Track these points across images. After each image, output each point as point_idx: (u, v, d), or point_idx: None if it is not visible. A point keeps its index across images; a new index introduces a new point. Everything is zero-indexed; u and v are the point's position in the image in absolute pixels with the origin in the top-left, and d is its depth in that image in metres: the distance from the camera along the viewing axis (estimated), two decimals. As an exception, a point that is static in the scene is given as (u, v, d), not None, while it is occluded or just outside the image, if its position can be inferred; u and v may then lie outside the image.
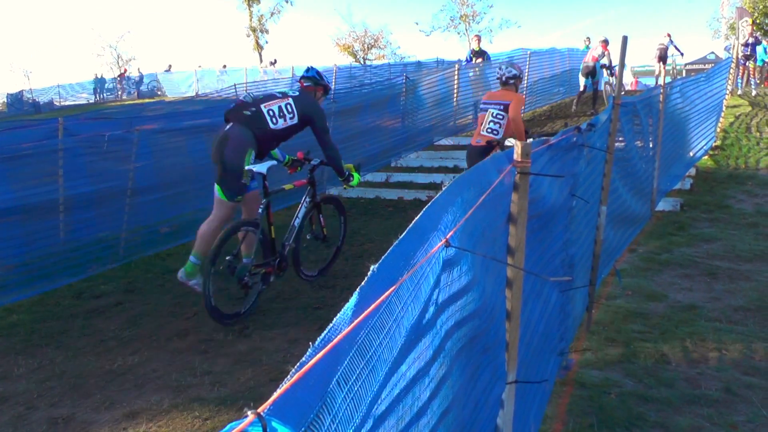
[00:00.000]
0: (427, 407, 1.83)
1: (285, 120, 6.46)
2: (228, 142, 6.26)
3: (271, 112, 6.42)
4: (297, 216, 6.98)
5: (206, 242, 6.29)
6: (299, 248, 7.01)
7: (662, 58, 22.90)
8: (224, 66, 40.49)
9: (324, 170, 9.77)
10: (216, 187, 6.42)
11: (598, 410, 4.26)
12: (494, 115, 7.89)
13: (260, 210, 6.44)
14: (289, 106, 6.51)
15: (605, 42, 16.94)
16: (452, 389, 2.05)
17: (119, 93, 43.46)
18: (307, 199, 7.08)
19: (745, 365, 4.87)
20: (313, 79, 7.05)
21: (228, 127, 6.38)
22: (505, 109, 7.86)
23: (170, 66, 44.69)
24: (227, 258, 6.20)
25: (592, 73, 16.98)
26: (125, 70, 45.18)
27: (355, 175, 7.13)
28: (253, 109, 6.39)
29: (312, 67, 7.23)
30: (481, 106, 8.26)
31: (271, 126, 6.40)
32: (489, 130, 7.87)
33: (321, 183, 11.52)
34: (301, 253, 7.09)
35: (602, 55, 16.84)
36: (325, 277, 7.38)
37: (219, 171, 6.33)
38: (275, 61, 35.66)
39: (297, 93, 6.76)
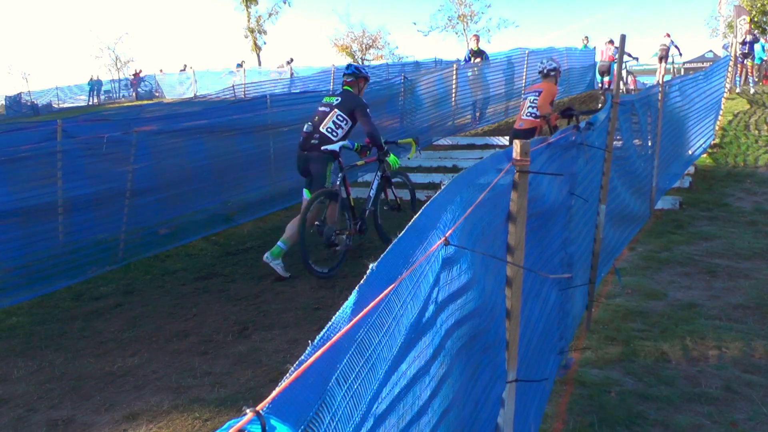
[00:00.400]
0: (428, 406, 1.83)
1: (342, 128, 7.69)
2: (310, 164, 7.60)
3: (329, 130, 7.63)
4: (371, 188, 8.35)
5: (294, 232, 7.42)
6: (377, 213, 8.30)
7: (663, 58, 23.05)
8: (242, 62, 40.18)
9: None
10: (305, 191, 7.78)
11: (598, 409, 4.26)
12: (531, 101, 9.48)
13: (338, 182, 7.57)
14: (339, 117, 7.68)
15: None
16: (453, 388, 2.05)
17: (132, 94, 43.43)
18: (379, 173, 8.34)
19: (745, 363, 4.87)
20: (354, 74, 8.09)
21: (305, 153, 7.67)
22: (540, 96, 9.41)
23: (185, 66, 44.53)
24: (315, 224, 7.48)
25: (608, 72, 18.14)
26: (140, 71, 45.07)
27: (392, 156, 8.13)
28: (317, 135, 7.60)
29: (351, 64, 8.68)
30: (523, 95, 10.25)
31: (334, 139, 7.61)
32: (529, 114, 9.46)
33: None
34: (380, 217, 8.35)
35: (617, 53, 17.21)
36: (323, 278, 7.37)
37: (307, 181, 7.73)
38: (291, 59, 35.42)
39: (339, 99, 7.83)
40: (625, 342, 5.28)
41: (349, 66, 8.31)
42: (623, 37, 5.58)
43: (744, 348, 5.11)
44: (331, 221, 7.55)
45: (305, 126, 7.80)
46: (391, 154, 8.16)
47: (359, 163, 8.25)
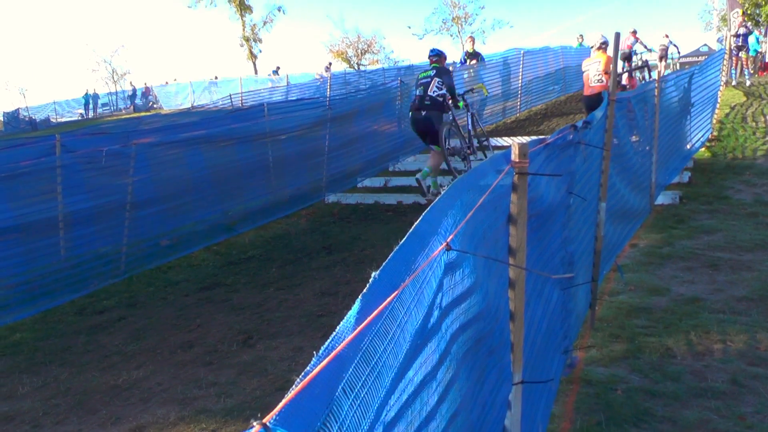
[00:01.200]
0: (436, 411, 1.83)
1: (441, 90, 10.16)
2: (431, 121, 10.09)
3: (434, 92, 10.13)
4: (468, 126, 11.82)
5: (435, 162, 10.39)
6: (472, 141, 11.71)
7: (662, 57, 23.34)
8: (215, 77, 40.46)
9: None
10: (434, 146, 10.27)
11: (605, 407, 4.25)
12: (597, 71, 11.62)
13: (468, 120, 11.84)
14: (438, 82, 10.18)
15: (634, 31, 19.52)
16: (460, 392, 2.05)
17: (130, 107, 43.46)
18: (468, 113, 11.84)
19: (751, 356, 4.86)
20: (437, 54, 10.65)
21: (424, 113, 10.14)
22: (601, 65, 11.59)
23: (175, 79, 44.68)
24: (446, 147, 10.20)
25: (628, 58, 19.21)
26: (148, 90, 45.07)
27: (461, 102, 10.88)
28: (428, 98, 10.12)
29: (434, 48, 10.96)
30: (583, 69, 12.17)
31: (440, 99, 10.18)
32: (597, 81, 11.59)
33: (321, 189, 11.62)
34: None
35: (635, 42, 19.41)
36: (326, 285, 7.37)
37: (430, 138, 10.29)
38: (278, 68, 35.69)
39: (434, 71, 10.32)
40: (630, 339, 5.28)
41: (432, 49, 10.87)
42: (617, 35, 5.58)
43: (749, 341, 5.11)
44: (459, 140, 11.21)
45: (417, 91, 10.34)
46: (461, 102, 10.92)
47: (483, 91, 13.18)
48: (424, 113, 10.19)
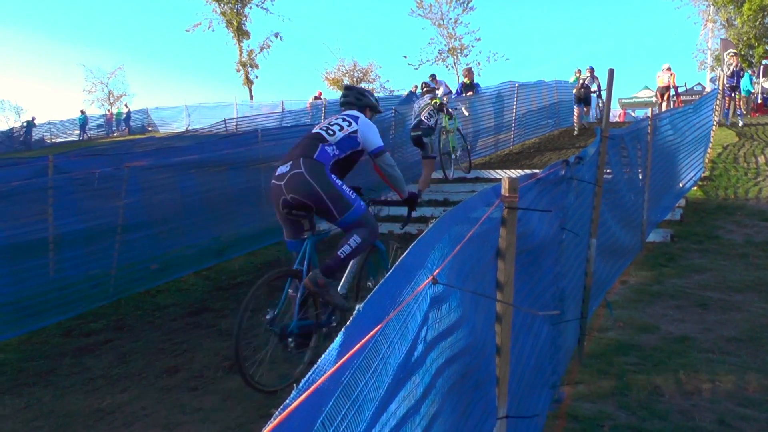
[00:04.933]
0: (419, 445, 1.81)
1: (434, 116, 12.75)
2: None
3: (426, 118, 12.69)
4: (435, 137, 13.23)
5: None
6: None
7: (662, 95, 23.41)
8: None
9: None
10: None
11: (591, 444, 4.23)
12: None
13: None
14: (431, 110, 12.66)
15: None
16: (444, 427, 2.04)
17: (125, 129, 43.53)
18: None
19: (739, 397, 4.85)
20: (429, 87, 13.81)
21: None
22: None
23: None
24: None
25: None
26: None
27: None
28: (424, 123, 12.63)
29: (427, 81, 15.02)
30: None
31: (431, 123, 12.83)
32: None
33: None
34: None
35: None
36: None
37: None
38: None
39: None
40: (618, 376, 5.26)
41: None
42: (611, 72, 5.63)
43: (737, 381, 5.10)
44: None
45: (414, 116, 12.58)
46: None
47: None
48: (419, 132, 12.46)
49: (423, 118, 12.68)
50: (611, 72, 5.65)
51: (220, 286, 9.18)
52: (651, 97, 23.79)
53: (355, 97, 6.06)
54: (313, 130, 5.64)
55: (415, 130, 12.70)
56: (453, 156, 14.19)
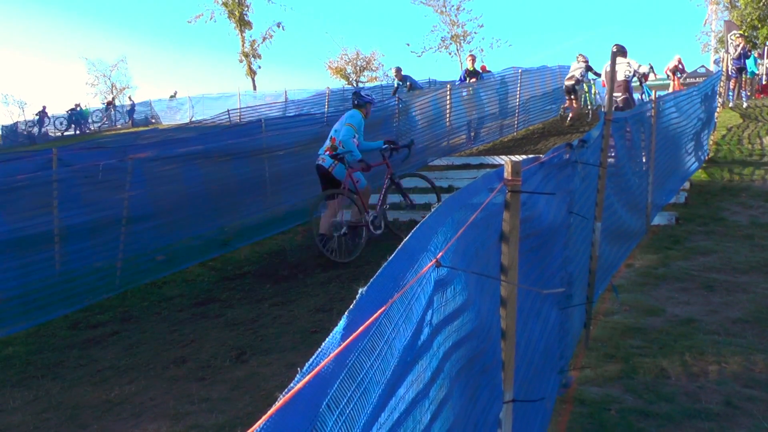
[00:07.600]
0: (429, 430, 1.81)
1: None
2: None
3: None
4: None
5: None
6: None
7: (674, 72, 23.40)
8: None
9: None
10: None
11: (598, 427, 4.23)
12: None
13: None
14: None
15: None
16: (453, 411, 2.04)
17: (129, 122, 43.51)
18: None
19: (745, 378, 4.85)
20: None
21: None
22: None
23: (175, 92, 44.94)
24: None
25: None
26: (175, 92, 45.42)
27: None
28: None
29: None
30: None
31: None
32: None
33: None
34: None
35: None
36: (321, 301, 7.35)
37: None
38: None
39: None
40: (624, 359, 5.26)
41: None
42: (614, 55, 5.60)
43: (744, 362, 5.09)
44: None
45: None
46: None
47: None
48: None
49: (576, 74, 17.51)
50: (614, 55, 5.62)
51: (226, 276, 9.19)
52: (663, 80, 23.72)
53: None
54: None
55: (570, 80, 17.70)
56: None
